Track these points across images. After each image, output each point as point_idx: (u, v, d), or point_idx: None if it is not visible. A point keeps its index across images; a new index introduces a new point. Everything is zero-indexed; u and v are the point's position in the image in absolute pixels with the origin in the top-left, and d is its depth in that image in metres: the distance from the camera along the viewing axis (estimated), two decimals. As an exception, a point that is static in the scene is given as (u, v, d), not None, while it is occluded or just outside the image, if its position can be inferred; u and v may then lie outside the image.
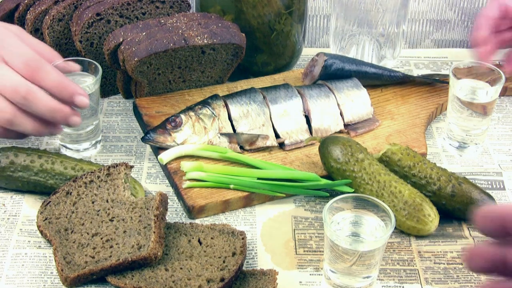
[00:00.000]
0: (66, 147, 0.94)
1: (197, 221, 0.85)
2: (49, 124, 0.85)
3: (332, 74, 1.03)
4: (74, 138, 0.94)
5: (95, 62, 0.92)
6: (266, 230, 0.85)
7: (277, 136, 0.95)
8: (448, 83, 1.06)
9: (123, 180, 0.83)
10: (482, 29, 1.02)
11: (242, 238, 0.78)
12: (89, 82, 0.90)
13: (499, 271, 0.57)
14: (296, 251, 0.82)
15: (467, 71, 0.97)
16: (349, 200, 0.75)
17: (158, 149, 0.93)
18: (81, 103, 0.84)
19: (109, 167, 0.85)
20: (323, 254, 0.81)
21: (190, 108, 0.96)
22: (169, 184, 0.91)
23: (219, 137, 0.94)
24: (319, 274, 0.79)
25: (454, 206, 0.85)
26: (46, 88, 0.83)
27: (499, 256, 0.56)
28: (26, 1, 1.02)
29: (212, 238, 0.79)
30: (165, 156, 0.91)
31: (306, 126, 0.97)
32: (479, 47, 1.02)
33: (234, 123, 0.95)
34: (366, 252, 0.71)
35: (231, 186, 0.87)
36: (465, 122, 0.95)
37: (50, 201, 0.82)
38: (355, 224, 0.75)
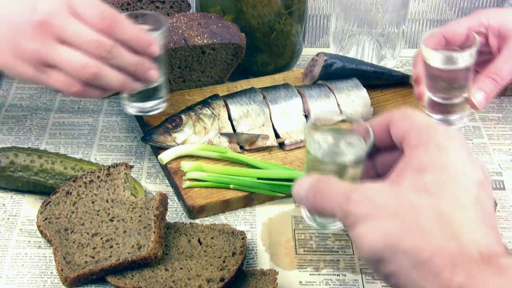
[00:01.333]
0: (131, 106, 0.90)
1: (197, 221, 0.85)
2: (131, 78, 0.83)
3: (332, 74, 1.03)
4: (139, 96, 0.89)
5: (160, 14, 0.88)
6: (266, 230, 0.85)
7: (277, 136, 0.95)
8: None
9: (123, 180, 0.83)
10: (417, 66, 0.94)
11: (242, 238, 0.78)
12: (156, 35, 0.86)
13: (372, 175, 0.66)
14: (296, 251, 0.82)
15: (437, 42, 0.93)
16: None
17: (158, 149, 0.93)
18: (155, 53, 0.82)
19: (109, 167, 0.85)
20: (323, 254, 0.81)
21: (190, 108, 0.96)
22: (169, 184, 0.91)
23: (219, 137, 0.94)
24: (319, 274, 0.79)
25: (454, 206, 0.85)
26: (124, 39, 0.80)
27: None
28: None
29: (212, 238, 0.79)
30: (165, 156, 0.91)
31: (306, 126, 0.97)
32: (417, 86, 0.95)
33: (234, 123, 0.95)
34: (353, 163, 0.67)
35: (231, 186, 0.87)
36: (445, 93, 0.91)
37: (50, 201, 0.82)
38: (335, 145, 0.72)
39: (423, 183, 0.56)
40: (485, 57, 0.94)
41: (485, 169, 0.60)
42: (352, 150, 0.68)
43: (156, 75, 0.84)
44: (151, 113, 0.91)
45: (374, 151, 0.66)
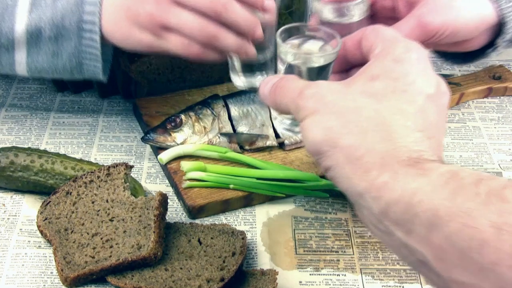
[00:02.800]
0: (241, 80, 0.89)
1: (197, 221, 0.85)
2: (246, 40, 0.82)
3: (332, 74, 1.03)
4: (249, 69, 0.88)
5: None
6: (266, 230, 0.85)
7: (277, 136, 0.95)
8: (448, 83, 1.05)
9: (123, 180, 0.83)
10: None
11: (242, 238, 0.78)
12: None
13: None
14: (296, 251, 0.82)
15: None
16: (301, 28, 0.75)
17: (158, 149, 0.93)
18: (270, 7, 0.82)
19: (109, 167, 0.85)
20: (323, 254, 0.81)
21: (190, 108, 0.96)
22: (169, 184, 0.91)
23: (219, 137, 0.94)
24: (319, 274, 0.79)
25: (454, 206, 0.85)
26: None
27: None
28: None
29: (212, 238, 0.79)
30: (165, 156, 0.91)
31: (306, 126, 0.97)
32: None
33: (234, 123, 0.95)
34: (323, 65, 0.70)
35: (231, 186, 0.87)
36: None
37: (50, 201, 0.82)
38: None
39: (372, 89, 0.59)
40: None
41: (444, 85, 0.63)
42: (321, 54, 0.70)
43: (261, 33, 0.82)
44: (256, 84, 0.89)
45: (349, 67, 0.70)
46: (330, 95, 0.60)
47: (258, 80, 0.89)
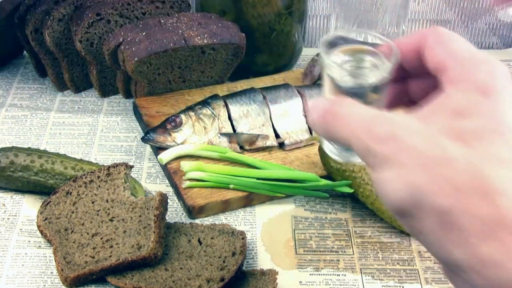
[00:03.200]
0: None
1: (197, 221, 0.85)
2: None
3: (332, 74, 1.03)
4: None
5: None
6: (266, 230, 0.85)
7: (277, 136, 0.95)
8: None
9: (123, 180, 0.83)
10: None
11: (242, 238, 0.78)
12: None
13: (401, 102, 0.57)
14: (296, 251, 0.82)
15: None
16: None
17: (158, 149, 0.93)
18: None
19: (109, 167, 0.85)
20: (323, 254, 0.81)
21: (190, 108, 0.96)
22: (169, 184, 0.91)
23: (219, 137, 0.94)
24: (319, 274, 0.79)
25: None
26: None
27: (399, 88, 0.57)
28: (26, 1, 1.02)
29: (212, 238, 0.79)
30: (165, 156, 0.91)
31: (306, 126, 0.97)
32: None
33: (234, 123, 0.95)
34: (376, 84, 0.58)
35: (231, 186, 0.87)
36: None
37: (50, 201, 0.82)
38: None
39: (458, 129, 0.48)
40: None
41: None
42: (375, 71, 0.58)
43: None
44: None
45: (404, 75, 0.58)
46: (409, 139, 0.47)
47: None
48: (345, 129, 0.50)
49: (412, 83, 0.57)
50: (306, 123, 0.97)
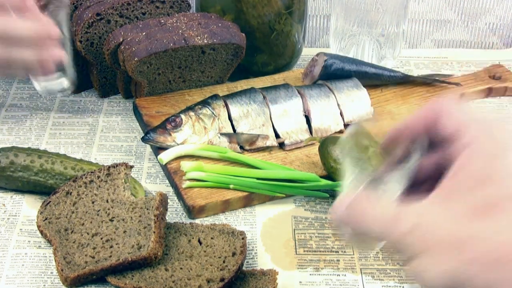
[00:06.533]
0: (39, 84, 0.89)
1: (197, 221, 0.85)
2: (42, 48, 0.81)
3: (332, 74, 1.03)
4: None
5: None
6: (266, 230, 0.85)
7: (277, 136, 0.95)
8: (448, 83, 1.06)
9: (123, 180, 0.83)
10: None
11: (242, 238, 0.78)
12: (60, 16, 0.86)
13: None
14: (296, 251, 0.82)
15: None
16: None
17: (158, 149, 0.93)
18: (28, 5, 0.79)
19: (109, 167, 0.85)
20: (323, 254, 0.81)
21: (190, 108, 0.96)
22: (169, 184, 0.91)
23: (219, 137, 0.94)
24: (319, 274, 0.79)
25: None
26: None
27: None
28: (26, 1, 1.02)
29: (212, 238, 0.79)
30: (165, 156, 0.91)
31: (306, 126, 0.97)
32: None
33: (234, 123, 0.95)
34: None
35: (231, 186, 0.87)
36: None
37: (50, 201, 0.82)
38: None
39: (478, 203, 0.49)
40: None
41: None
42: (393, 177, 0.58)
43: (57, 30, 0.82)
44: (58, 94, 0.90)
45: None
46: (435, 227, 0.49)
47: (57, 83, 0.89)
48: (372, 226, 0.53)
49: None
50: (306, 123, 0.97)
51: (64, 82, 0.90)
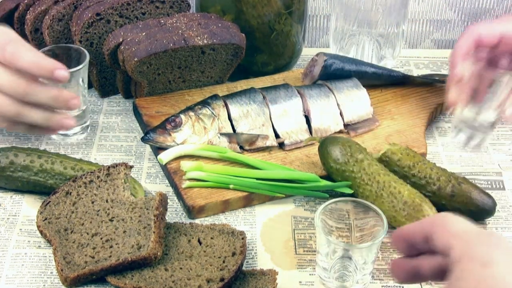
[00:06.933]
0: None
1: (197, 221, 0.85)
2: (55, 113, 0.87)
3: (332, 74, 1.03)
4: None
5: (82, 48, 0.94)
6: (266, 230, 0.85)
7: (277, 136, 0.95)
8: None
9: (123, 180, 0.83)
10: (457, 68, 0.94)
11: (242, 238, 0.78)
12: (76, 68, 0.91)
13: (416, 279, 0.64)
14: (296, 251, 0.82)
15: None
16: (340, 203, 0.77)
17: (157, 149, 0.93)
18: (62, 77, 0.84)
19: (109, 167, 0.85)
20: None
21: (190, 108, 0.96)
22: (169, 184, 0.91)
23: (219, 137, 0.94)
24: (319, 274, 0.79)
25: (454, 206, 0.85)
26: (23, 67, 0.83)
27: (414, 267, 0.64)
28: (26, 1, 1.02)
29: (212, 238, 0.79)
30: (164, 156, 0.91)
31: (306, 126, 0.97)
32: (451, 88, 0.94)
33: (234, 123, 0.95)
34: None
35: (231, 186, 0.87)
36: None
37: (50, 201, 0.82)
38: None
39: None
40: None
41: None
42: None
43: (78, 102, 0.88)
44: (73, 139, 0.97)
45: (417, 253, 0.65)
46: None
47: (72, 131, 0.97)
48: None
49: (423, 261, 0.63)
50: (306, 123, 0.97)
51: (77, 129, 0.97)
